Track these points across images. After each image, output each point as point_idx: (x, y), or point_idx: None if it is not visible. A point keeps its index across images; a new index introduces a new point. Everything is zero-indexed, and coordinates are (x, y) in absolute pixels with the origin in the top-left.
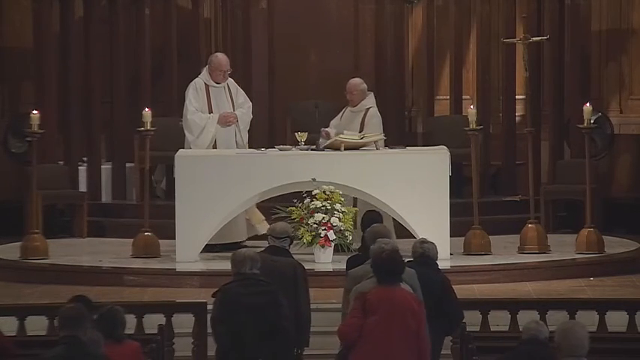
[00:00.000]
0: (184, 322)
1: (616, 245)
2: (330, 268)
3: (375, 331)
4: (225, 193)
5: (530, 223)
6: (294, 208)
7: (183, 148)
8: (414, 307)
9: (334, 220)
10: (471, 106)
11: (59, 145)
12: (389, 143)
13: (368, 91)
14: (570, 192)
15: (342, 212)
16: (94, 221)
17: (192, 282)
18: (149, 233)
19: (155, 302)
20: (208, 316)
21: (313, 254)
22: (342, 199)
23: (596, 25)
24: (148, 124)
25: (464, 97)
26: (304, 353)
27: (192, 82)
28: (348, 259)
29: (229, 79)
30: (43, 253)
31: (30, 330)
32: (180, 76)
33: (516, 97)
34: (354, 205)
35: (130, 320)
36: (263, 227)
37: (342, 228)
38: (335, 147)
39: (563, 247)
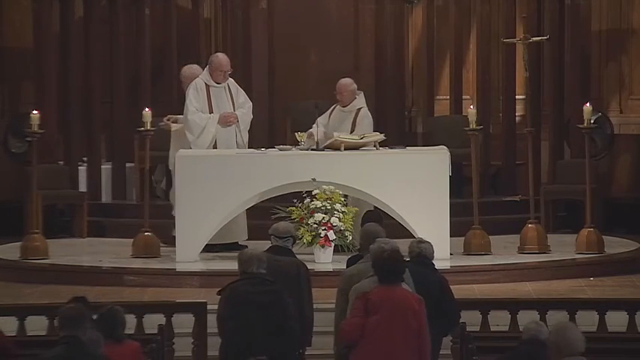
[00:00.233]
0: (184, 322)
1: (616, 245)
2: (330, 268)
3: (377, 330)
4: (225, 193)
5: (530, 223)
6: (294, 208)
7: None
8: (415, 306)
9: (334, 220)
10: (471, 106)
11: (59, 145)
12: (389, 143)
13: (358, 90)
14: (570, 192)
15: (342, 212)
16: (94, 221)
17: (192, 282)
18: (149, 233)
19: (155, 302)
20: (208, 316)
21: (313, 254)
22: (343, 199)
23: (596, 25)
24: (148, 124)
25: (464, 97)
26: (305, 353)
27: (193, 82)
28: (349, 259)
29: (230, 79)
30: (43, 253)
31: (30, 330)
32: (180, 76)
33: (516, 97)
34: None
35: (130, 320)
36: None
37: (342, 228)
38: (335, 147)
39: (563, 247)
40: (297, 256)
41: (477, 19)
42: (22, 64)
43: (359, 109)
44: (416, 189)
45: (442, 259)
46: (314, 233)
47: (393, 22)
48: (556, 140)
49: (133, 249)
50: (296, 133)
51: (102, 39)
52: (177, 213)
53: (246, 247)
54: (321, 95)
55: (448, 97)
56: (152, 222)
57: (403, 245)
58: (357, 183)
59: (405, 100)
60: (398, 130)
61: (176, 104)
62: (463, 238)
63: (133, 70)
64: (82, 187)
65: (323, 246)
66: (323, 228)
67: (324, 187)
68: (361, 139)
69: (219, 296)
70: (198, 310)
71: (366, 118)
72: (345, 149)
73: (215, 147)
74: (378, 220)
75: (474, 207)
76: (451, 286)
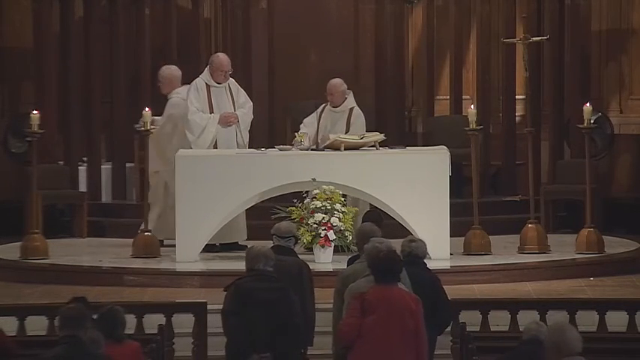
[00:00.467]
0: (184, 322)
1: (616, 245)
2: (330, 268)
3: (374, 330)
4: (225, 193)
5: (530, 223)
6: (294, 208)
7: (183, 148)
8: (411, 306)
9: (334, 220)
10: (471, 106)
11: (59, 145)
12: (389, 143)
13: (351, 89)
14: (570, 192)
15: (342, 212)
16: (94, 221)
17: (192, 282)
18: (149, 233)
19: (155, 302)
20: (208, 316)
21: (313, 254)
22: (343, 199)
23: (596, 25)
24: (148, 124)
25: (464, 97)
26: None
27: (193, 82)
28: (349, 259)
29: (230, 79)
30: (43, 253)
31: (30, 330)
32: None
33: (516, 97)
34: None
35: (130, 320)
36: None
37: (342, 228)
38: (335, 147)
39: (563, 247)
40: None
41: (477, 19)
42: (22, 64)
43: (351, 109)
44: (416, 189)
45: (442, 259)
46: (314, 233)
47: (393, 22)
48: (556, 140)
49: (133, 249)
50: (296, 133)
51: (102, 39)
52: (178, 213)
53: (247, 246)
54: (321, 95)
55: (448, 97)
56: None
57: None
58: (357, 183)
59: (405, 100)
60: (398, 130)
61: None
62: (463, 238)
63: (133, 70)
64: (82, 187)
65: (323, 246)
66: (323, 228)
67: (324, 187)
68: (361, 139)
69: (225, 292)
70: (198, 310)
71: (359, 117)
72: (345, 149)
73: (215, 147)
74: (378, 221)
75: (474, 207)
76: (451, 286)
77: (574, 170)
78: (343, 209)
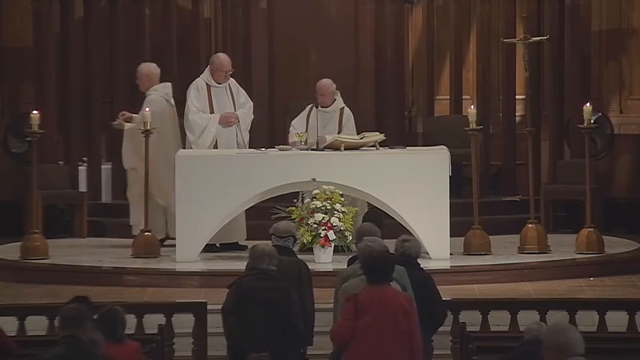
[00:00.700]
0: (184, 322)
1: (616, 245)
2: (330, 268)
3: (367, 331)
4: (225, 193)
5: (530, 223)
6: (294, 208)
7: (183, 148)
8: (405, 306)
9: (334, 220)
10: (471, 106)
11: (59, 145)
12: (389, 143)
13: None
14: (570, 192)
15: (342, 212)
16: (94, 221)
17: (192, 282)
18: (149, 233)
19: (155, 302)
20: (208, 316)
21: (313, 254)
22: (343, 199)
23: (596, 25)
24: (148, 124)
25: (464, 97)
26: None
27: (194, 82)
28: (349, 259)
29: (231, 79)
30: (43, 253)
31: (30, 330)
32: (180, 76)
33: (516, 97)
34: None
35: (130, 320)
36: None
37: (342, 228)
38: (335, 147)
39: (563, 247)
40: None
41: (477, 19)
42: (22, 64)
43: (342, 109)
44: (416, 189)
45: (442, 259)
46: (314, 233)
47: (393, 22)
48: (556, 140)
49: (133, 249)
50: (296, 133)
51: (102, 39)
52: (178, 213)
53: (247, 247)
54: None
55: (448, 97)
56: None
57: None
58: (357, 183)
59: (405, 100)
60: (398, 130)
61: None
62: (463, 238)
63: (133, 70)
64: (82, 187)
65: (323, 246)
66: (323, 228)
67: (324, 187)
68: (361, 139)
69: (229, 290)
70: (198, 310)
71: (350, 118)
72: (345, 149)
73: (216, 147)
74: (378, 221)
75: (474, 207)
76: (451, 286)
77: (574, 170)
78: (343, 209)
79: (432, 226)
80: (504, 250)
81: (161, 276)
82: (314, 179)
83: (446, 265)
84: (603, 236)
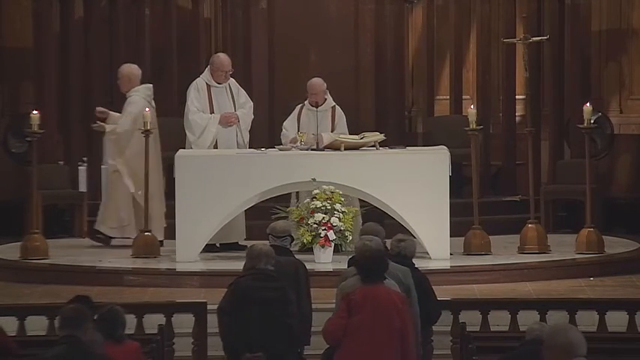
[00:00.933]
0: (184, 322)
1: (616, 245)
2: (330, 268)
3: (360, 330)
4: (225, 193)
5: (530, 223)
6: (294, 208)
7: (183, 148)
8: (398, 305)
9: (334, 220)
10: (471, 106)
11: (59, 145)
12: (389, 143)
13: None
14: (570, 192)
15: (342, 212)
16: (94, 221)
17: (192, 282)
18: (149, 233)
19: (155, 302)
20: (208, 316)
21: (313, 254)
22: (343, 199)
23: (596, 25)
24: (148, 124)
25: (464, 97)
26: (304, 352)
27: (194, 82)
28: (349, 259)
29: (231, 79)
30: (43, 253)
31: (30, 330)
32: (180, 76)
33: (516, 97)
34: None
35: (130, 320)
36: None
37: (342, 228)
38: (335, 147)
39: (563, 247)
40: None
41: (477, 19)
42: (22, 64)
43: (333, 108)
44: (416, 189)
45: (442, 259)
46: (314, 233)
47: (393, 22)
48: (556, 140)
49: (133, 249)
50: (296, 133)
51: (102, 39)
52: (178, 213)
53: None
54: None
55: (448, 97)
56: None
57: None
58: (357, 183)
59: (405, 100)
60: (398, 130)
61: (176, 104)
62: (463, 238)
63: None
64: (82, 187)
65: (323, 246)
66: (323, 228)
67: (324, 187)
68: (361, 139)
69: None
70: (198, 310)
71: (342, 117)
72: (345, 149)
73: (216, 147)
74: (379, 221)
75: (474, 207)
76: (451, 286)
77: (574, 170)
78: (343, 209)
79: (432, 226)
80: (504, 250)
81: (161, 276)
82: (314, 179)
83: (446, 265)
84: (603, 236)
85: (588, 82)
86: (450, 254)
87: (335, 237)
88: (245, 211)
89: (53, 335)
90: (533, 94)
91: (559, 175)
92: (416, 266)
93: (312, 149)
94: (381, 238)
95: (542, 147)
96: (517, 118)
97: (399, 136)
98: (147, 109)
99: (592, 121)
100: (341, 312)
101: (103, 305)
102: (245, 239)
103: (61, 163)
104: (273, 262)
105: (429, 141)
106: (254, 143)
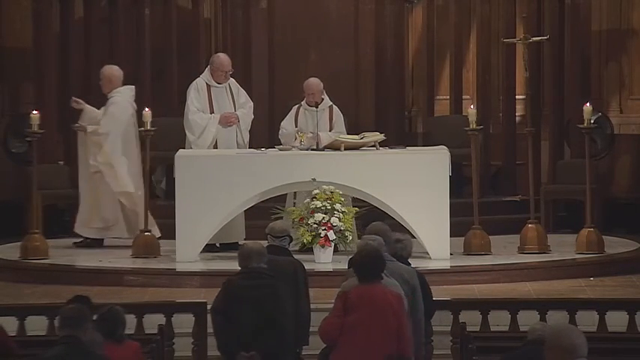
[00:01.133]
0: (184, 322)
1: (616, 245)
2: (330, 268)
3: (355, 329)
4: (225, 193)
5: (530, 223)
6: (294, 208)
7: (183, 148)
8: (394, 304)
9: (334, 220)
10: (471, 106)
11: (59, 145)
12: (389, 143)
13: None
14: (570, 192)
15: (342, 212)
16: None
17: (192, 282)
18: (149, 233)
19: (155, 302)
20: (208, 316)
21: (313, 254)
22: (342, 199)
23: (596, 25)
24: (148, 124)
25: (464, 97)
26: (303, 352)
27: (194, 82)
28: (350, 259)
29: (231, 79)
30: (43, 253)
31: (30, 330)
32: (180, 76)
33: (516, 97)
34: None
35: (130, 320)
36: None
37: (342, 228)
38: (335, 147)
39: (563, 247)
40: (296, 256)
41: (477, 19)
42: (22, 64)
43: (330, 107)
44: (416, 189)
45: (442, 259)
46: (314, 233)
47: (393, 22)
48: (556, 140)
49: (133, 249)
50: (296, 133)
51: (102, 39)
52: (178, 213)
53: None
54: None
55: (448, 97)
56: None
57: None
58: (357, 183)
59: (405, 100)
60: (398, 130)
61: (176, 104)
62: (463, 238)
63: (133, 70)
64: None
65: (323, 246)
66: (323, 228)
67: (324, 187)
68: (361, 139)
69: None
70: (198, 310)
71: (340, 115)
72: (345, 149)
73: (216, 147)
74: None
75: (474, 207)
76: (451, 286)
77: (574, 170)
78: (343, 209)
79: (432, 226)
80: (504, 250)
81: (161, 276)
82: (314, 179)
83: (446, 265)
84: (603, 236)
85: (588, 82)
86: (450, 254)
87: (335, 237)
88: (245, 211)
89: (53, 335)
90: (533, 94)
91: (559, 175)
92: (412, 266)
93: (312, 149)
94: (387, 238)
95: (542, 147)
96: (517, 118)
97: (399, 136)
98: (147, 109)
99: (592, 121)
100: (337, 311)
101: (103, 305)
102: (245, 239)
103: (61, 163)
104: (265, 260)
105: (429, 141)
106: (254, 143)
